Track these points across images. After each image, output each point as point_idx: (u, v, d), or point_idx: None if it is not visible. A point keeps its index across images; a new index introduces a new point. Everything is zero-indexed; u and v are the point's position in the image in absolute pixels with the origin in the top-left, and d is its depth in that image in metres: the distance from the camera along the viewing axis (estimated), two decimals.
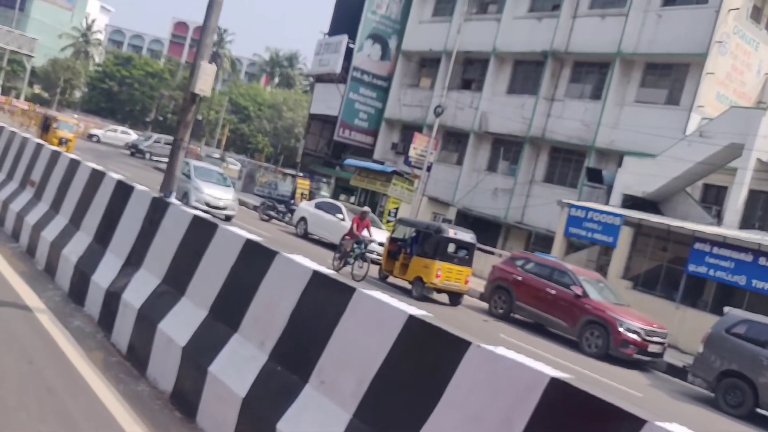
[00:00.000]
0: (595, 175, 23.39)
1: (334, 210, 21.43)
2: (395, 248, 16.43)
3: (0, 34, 67.02)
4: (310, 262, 4.75)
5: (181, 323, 5.59)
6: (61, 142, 23.30)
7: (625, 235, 19.26)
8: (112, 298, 6.52)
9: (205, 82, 6.70)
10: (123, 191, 7.50)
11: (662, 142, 21.92)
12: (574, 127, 25.96)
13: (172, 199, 6.52)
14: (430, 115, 31.64)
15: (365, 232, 15.37)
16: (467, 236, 16.14)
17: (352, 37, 33.99)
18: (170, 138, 50.15)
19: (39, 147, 10.34)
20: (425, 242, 15.70)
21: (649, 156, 21.67)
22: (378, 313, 3.90)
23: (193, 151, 41.52)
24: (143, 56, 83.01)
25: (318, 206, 22.21)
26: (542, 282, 15.27)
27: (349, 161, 29.24)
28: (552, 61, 27.30)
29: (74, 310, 7.02)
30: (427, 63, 33.97)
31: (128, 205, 7.27)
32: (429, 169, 26.16)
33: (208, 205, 17.76)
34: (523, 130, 27.82)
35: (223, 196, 18.45)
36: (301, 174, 33.45)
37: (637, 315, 14.50)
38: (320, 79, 36.54)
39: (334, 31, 36.13)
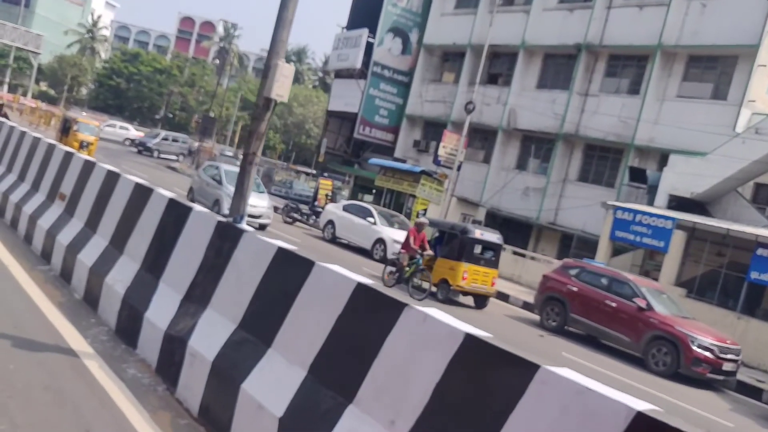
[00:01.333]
0: (638, 175, 22.25)
1: (364, 213, 20.39)
2: None
3: (6, 30, 66.10)
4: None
5: (271, 384, 4.55)
6: (82, 145, 22.10)
7: (678, 239, 18.15)
8: (175, 344, 5.47)
9: (283, 85, 5.66)
10: (177, 212, 6.43)
11: (708, 140, 20.78)
12: (610, 123, 24.81)
13: (244, 225, 5.47)
14: (456, 111, 30.57)
15: (409, 243, 14.24)
16: (493, 237, 15.68)
17: (372, 31, 32.86)
18: (178, 135, 49.36)
19: (68, 156, 9.29)
20: (450, 243, 15.21)
21: (698, 154, 20.52)
22: (431, 331, 3.55)
23: (207, 149, 40.52)
24: (150, 52, 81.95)
25: (346, 209, 21.16)
26: (600, 293, 14.20)
27: (374, 160, 28.14)
28: (586, 55, 26.14)
29: (126, 353, 5.97)
30: (450, 57, 32.83)
31: (185, 228, 6.20)
32: (459, 168, 25.05)
33: None
34: (555, 126, 26.68)
35: (258, 203, 17.00)
36: (325, 174, 32.35)
37: (707, 329, 13.43)
38: (339, 74, 35.43)
39: (352, 24, 35.00)
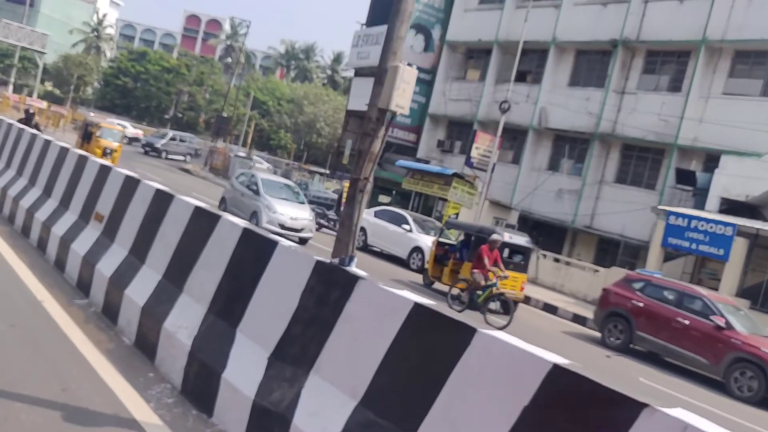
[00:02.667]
0: (685, 177, 21.08)
1: (398, 220, 19.28)
2: (442, 252, 15.43)
3: (11, 30, 65.11)
4: None
5: None
6: (105, 152, 20.84)
7: (739, 246, 17.00)
8: (272, 421, 4.36)
9: (404, 93, 4.62)
10: (256, 245, 5.32)
11: (761, 139, 19.62)
12: (649, 122, 23.64)
13: (354, 269, 4.35)
14: (483, 110, 29.44)
15: (475, 263, 12.80)
16: (522, 240, 15.12)
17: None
18: (185, 135, 48.30)
19: (104, 170, 8.17)
20: (478, 247, 13.96)
21: (752, 155, 19.36)
22: (509, 361, 3.17)
23: (221, 150, 39.41)
24: (158, 50, 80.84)
25: (378, 215, 20.06)
26: (670, 309, 13.08)
27: (402, 162, 27.01)
28: (622, 51, 24.96)
29: (200, 423, 4.85)
30: (475, 54, 31.67)
31: (269, 267, 5.09)
32: (492, 170, 23.90)
33: (282, 227, 15.27)
34: (589, 125, 25.53)
35: (299, 215, 15.88)
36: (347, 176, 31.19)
37: None
38: (359, 73, 34.26)
39: (372, 21, 33.82)
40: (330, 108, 64.12)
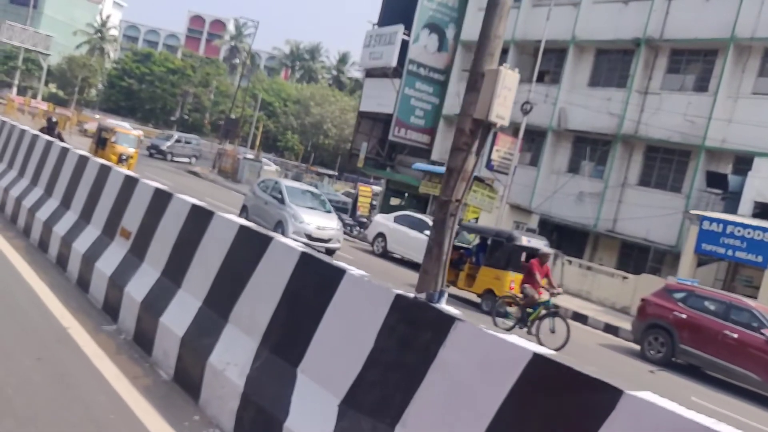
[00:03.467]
0: (717, 180, 20.41)
1: (420, 226, 18.67)
2: (457, 256, 15.02)
3: (15, 32, 64.69)
4: None
5: None
6: (121, 159, 20.19)
7: None
8: None
9: (506, 101, 3.99)
10: (318, 273, 4.68)
11: None
12: (674, 123, 22.96)
13: (447, 307, 3.72)
14: None
15: (523, 278, 12.14)
16: (540, 244, 14.68)
17: (406, 27, 31.05)
18: (191, 137, 47.68)
19: (131, 182, 7.53)
20: (495, 251, 14.36)
21: None
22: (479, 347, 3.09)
23: (230, 152, 38.80)
24: (163, 51, 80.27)
25: (398, 220, 19.45)
26: (717, 322, 12.43)
27: (418, 165, 26.37)
28: (645, 50, 24.27)
29: None
30: None
31: (335, 299, 4.45)
32: (508, 172, 23.25)
33: (309, 237, 14.64)
34: (611, 126, 24.86)
35: (326, 224, 15.18)
36: (370, 181, 30.62)
37: None
38: (370, 73, 33.61)
39: (384, 21, 33.16)
40: (337, 109, 63.53)
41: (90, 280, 7.29)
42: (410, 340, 3.87)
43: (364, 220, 21.49)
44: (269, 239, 5.14)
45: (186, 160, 42.14)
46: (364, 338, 4.14)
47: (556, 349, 10.13)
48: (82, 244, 7.83)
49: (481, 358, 3.51)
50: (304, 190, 16.61)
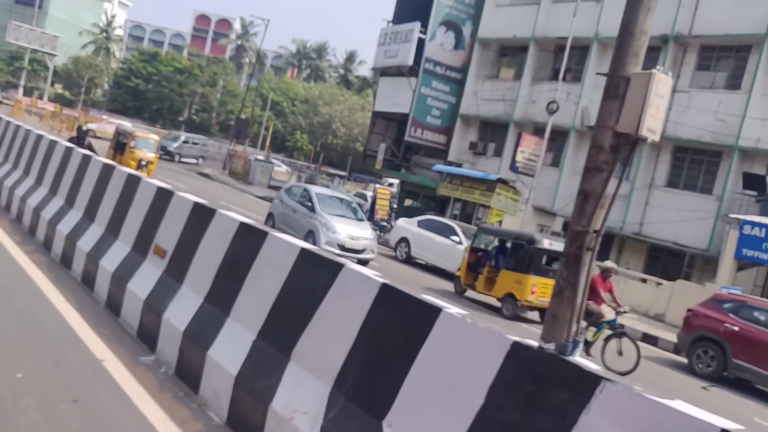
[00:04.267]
0: (753, 181, 19.67)
1: (445, 231, 17.98)
2: (475, 259, 14.84)
3: (22, 32, 64.24)
4: None
5: None
6: (140, 165, 19.36)
7: None
8: None
9: (658, 111, 3.30)
10: (405, 310, 4.02)
11: None
12: (704, 122, 22.23)
13: (583, 360, 3.06)
14: (519, 110, 28.11)
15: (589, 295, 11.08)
16: (561, 246, 13.26)
17: (422, 25, 30.36)
18: (198, 137, 47.02)
19: (164, 195, 6.87)
20: (516, 254, 13.93)
21: None
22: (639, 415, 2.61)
23: (241, 154, 38.17)
24: (169, 51, 79.68)
25: (422, 225, 18.76)
26: None
27: (439, 167, 25.69)
28: (674, 46, 23.53)
29: None
30: (509, 51, 30.28)
31: (429, 342, 3.79)
32: (533, 174, 22.55)
33: (342, 248, 13.77)
34: None
35: (360, 234, 14.39)
36: (390, 184, 29.92)
37: None
38: (385, 72, 32.91)
39: (399, 18, 32.46)
40: (345, 108, 62.86)
41: (121, 303, 6.65)
42: (538, 400, 3.20)
43: (384, 224, 20.82)
44: (339, 267, 4.48)
45: (193, 161, 41.55)
46: (472, 391, 3.48)
47: (625, 373, 9.41)
48: (110, 261, 7.19)
49: (640, 428, 2.84)
50: (335, 196, 15.82)
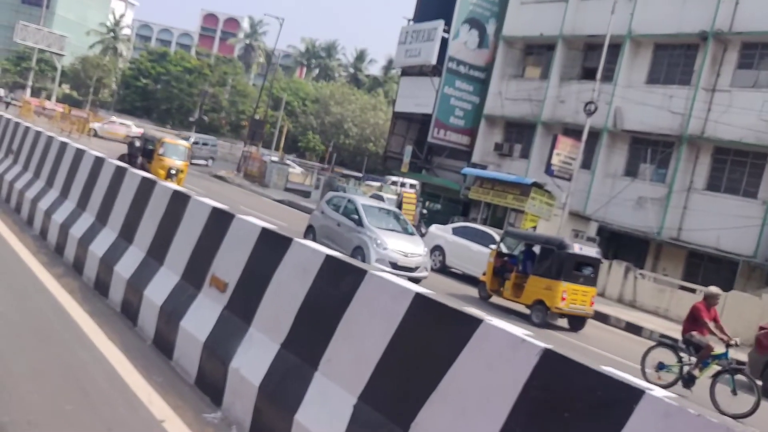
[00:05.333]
0: None
1: (484, 239, 17.05)
2: (501, 264, 14.46)
3: (29, 32, 63.51)
4: None
5: None
6: (170, 174, 17.70)
7: None
8: None
9: None
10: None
11: None
12: (747, 122, 21.25)
13: None
14: (546, 110, 27.18)
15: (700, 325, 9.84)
16: (592, 251, 14.09)
17: (445, 23, 29.44)
18: (207, 138, 46.16)
19: (222, 218, 5.95)
20: (546, 259, 13.52)
21: None
22: None
23: (254, 155, 37.29)
24: (179, 51, 78.87)
25: (458, 232, 17.83)
26: None
27: (469, 170, 24.79)
28: (713, 43, 22.53)
29: None
30: (534, 50, 29.32)
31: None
32: (570, 178, 21.60)
33: (395, 266, 12.59)
34: (673, 127, 23.16)
35: (413, 250, 13.20)
36: (410, 188, 28.97)
37: None
38: (406, 72, 31.99)
39: (420, 16, 31.56)
40: (357, 108, 61.97)
41: (174, 343, 5.74)
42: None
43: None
44: (474, 323, 3.56)
45: (203, 162, 40.75)
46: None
47: (741, 416, 8.36)
48: (156, 291, 6.28)
49: None
50: (381, 209, 14.63)
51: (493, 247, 16.61)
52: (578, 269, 13.46)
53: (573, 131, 26.18)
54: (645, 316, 17.53)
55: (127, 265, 7.06)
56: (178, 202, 6.71)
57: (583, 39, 26.53)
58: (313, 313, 4.68)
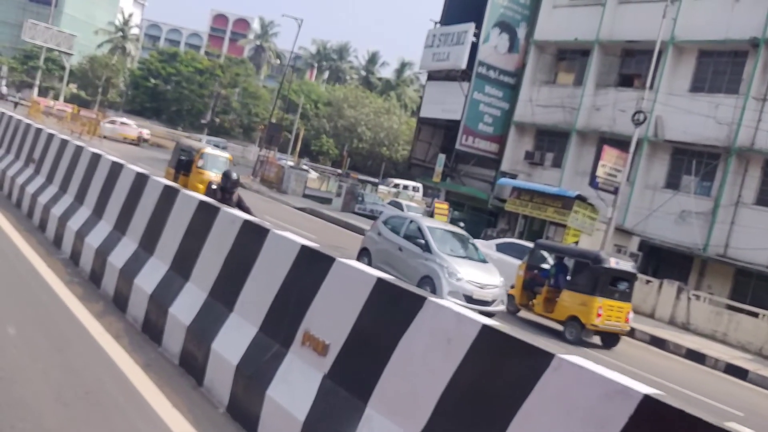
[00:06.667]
0: None
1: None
2: (531, 277, 14.03)
3: (38, 31, 62.62)
4: None
5: None
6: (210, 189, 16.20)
7: None
8: None
9: None
10: None
11: None
12: None
13: None
14: (581, 118, 26.07)
15: None
16: (629, 266, 13.62)
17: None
18: (218, 140, 45.14)
19: (317, 260, 4.84)
20: (580, 273, 13.18)
21: None
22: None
23: (271, 160, 36.17)
24: (189, 51, 77.84)
25: (503, 249, 16.69)
26: None
27: (506, 181, 23.67)
28: (765, 51, 21.41)
29: None
30: (567, 55, 28.22)
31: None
32: (616, 191, 20.48)
33: (470, 299, 11.10)
34: (719, 137, 22.04)
35: (489, 281, 11.69)
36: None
37: None
38: (432, 76, 30.90)
39: (447, 19, 30.46)
40: (371, 111, 60.92)
41: (258, 416, 4.62)
42: None
43: None
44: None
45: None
46: None
47: None
48: (229, 345, 5.18)
49: None
50: (447, 231, 12.92)
51: (545, 266, 15.55)
52: (614, 284, 13.04)
53: (610, 141, 25.04)
54: (703, 341, 16.39)
55: (184, 307, 5.98)
56: (252, 237, 5.58)
57: (621, 44, 25.46)
58: (467, 399, 3.58)
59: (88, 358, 5.54)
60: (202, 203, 6.49)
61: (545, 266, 14.61)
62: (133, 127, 44.72)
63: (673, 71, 23.76)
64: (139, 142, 43.22)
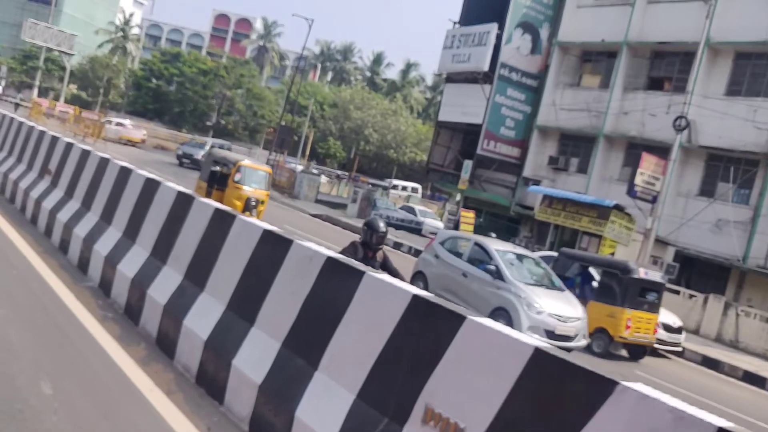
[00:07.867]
0: None
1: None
2: None
3: (38, 31, 61.62)
4: None
5: None
6: (249, 206, 14.10)
7: None
8: None
9: None
10: None
11: None
12: None
13: None
14: (609, 122, 25.13)
15: None
16: (657, 276, 13.36)
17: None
18: (223, 143, 44.10)
19: (446, 318, 3.86)
20: (608, 284, 12.76)
21: None
22: None
23: (281, 164, 35.15)
24: (192, 51, 76.76)
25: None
26: None
27: (537, 189, 22.74)
28: None
29: None
30: (593, 57, 27.27)
31: None
32: (654, 200, 19.52)
33: (551, 335, 10.00)
34: (758, 142, 21.11)
35: (571, 313, 10.53)
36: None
37: None
38: (451, 78, 29.93)
39: (467, 19, 29.49)
40: (378, 113, 59.95)
41: None
42: None
43: None
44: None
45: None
46: None
47: None
48: (321, 416, 4.22)
49: None
50: (517, 253, 11.57)
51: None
52: (642, 295, 12.74)
53: (639, 146, 24.05)
54: (757, 361, 15.45)
55: (251, 357, 5.02)
56: (342, 280, 4.61)
57: (651, 46, 24.52)
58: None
59: (141, 425, 4.56)
60: (266, 233, 5.50)
61: (569, 275, 13.74)
62: (133, 128, 43.58)
63: (707, 74, 22.79)
64: (141, 143, 42.24)
